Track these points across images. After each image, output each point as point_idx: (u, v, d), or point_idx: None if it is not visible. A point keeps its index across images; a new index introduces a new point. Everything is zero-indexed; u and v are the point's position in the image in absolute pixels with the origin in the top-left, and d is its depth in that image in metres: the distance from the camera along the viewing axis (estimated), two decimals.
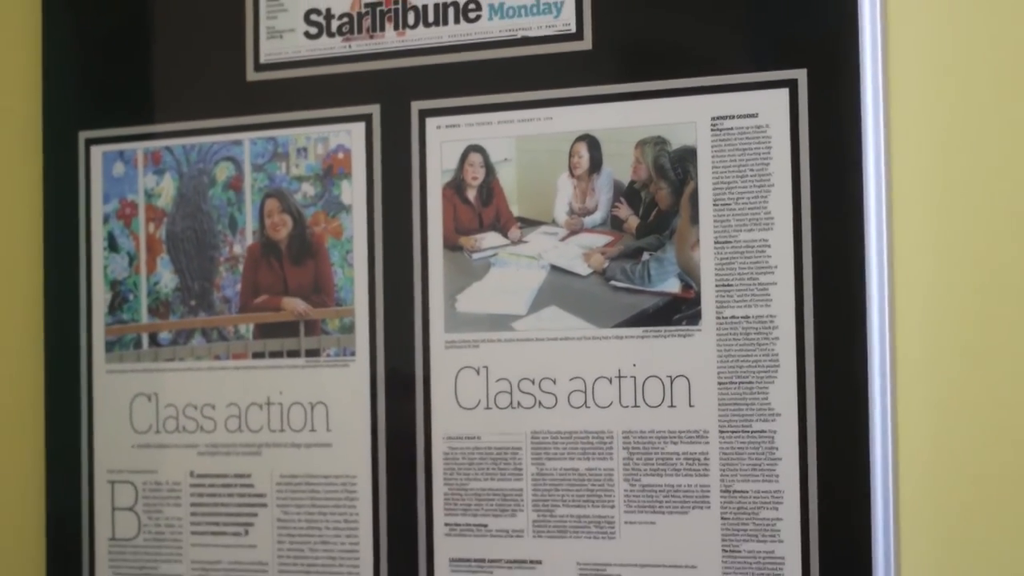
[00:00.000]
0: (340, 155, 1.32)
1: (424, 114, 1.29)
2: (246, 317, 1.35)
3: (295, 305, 1.33)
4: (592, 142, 1.24)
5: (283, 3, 1.34)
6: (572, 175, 1.25)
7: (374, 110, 1.31)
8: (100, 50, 1.42)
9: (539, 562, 1.25)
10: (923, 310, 1.16)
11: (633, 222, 1.23)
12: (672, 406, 1.21)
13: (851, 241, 1.16)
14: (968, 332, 1.15)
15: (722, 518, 1.19)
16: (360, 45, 1.32)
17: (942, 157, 1.16)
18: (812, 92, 1.18)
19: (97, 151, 1.41)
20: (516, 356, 1.26)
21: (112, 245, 1.40)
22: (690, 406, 1.21)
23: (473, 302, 1.28)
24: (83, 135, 1.41)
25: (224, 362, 1.36)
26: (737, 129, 1.20)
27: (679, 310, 1.21)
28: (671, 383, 1.21)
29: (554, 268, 1.25)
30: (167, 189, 1.38)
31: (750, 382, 1.19)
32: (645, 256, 1.23)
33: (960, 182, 1.16)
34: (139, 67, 1.39)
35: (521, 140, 1.27)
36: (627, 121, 1.23)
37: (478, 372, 1.27)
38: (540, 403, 1.25)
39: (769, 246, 1.19)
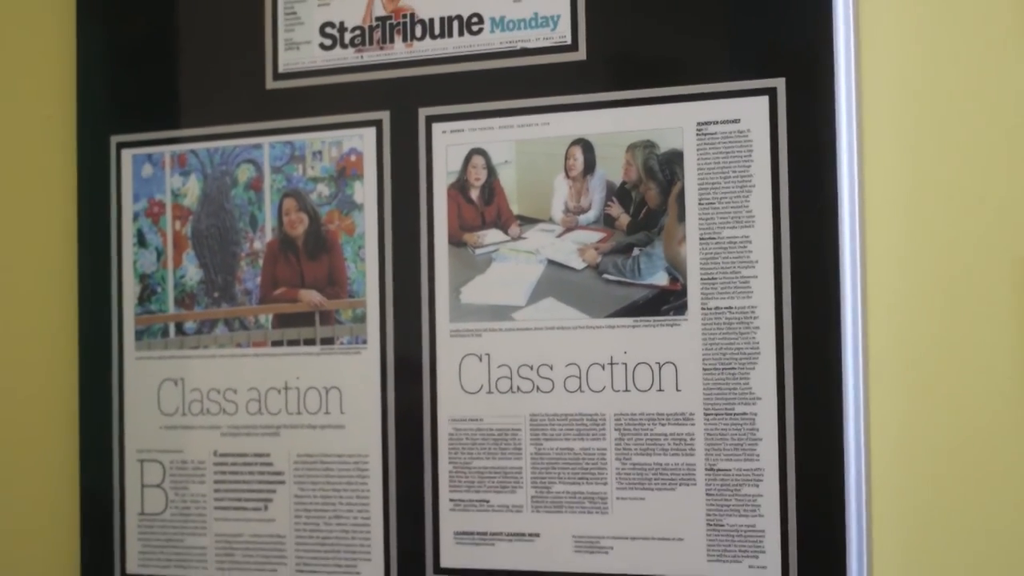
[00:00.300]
0: (353, 158, 1.32)
1: (431, 120, 1.29)
2: (265, 308, 1.35)
3: (311, 297, 1.34)
4: (586, 145, 1.24)
5: (300, 17, 1.34)
6: (568, 176, 1.25)
7: (384, 116, 1.31)
8: (130, 61, 1.41)
9: (537, 535, 1.25)
10: (893, 301, 1.17)
11: (624, 220, 1.24)
12: (660, 390, 1.22)
13: (826, 237, 1.16)
14: (934, 321, 1.16)
15: (707, 494, 1.20)
16: (371, 56, 1.32)
17: (911, 160, 1.16)
18: (790, 99, 1.18)
19: (127, 154, 1.40)
20: (516, 344, 1.26)
21: (141, 241, 1.40)
22: (677, 390, 1.21)
23: (476, 294, 1.28)
24: (114, 139, 1.40)
25: (245, 350, 1.36)
26: (720, 134, 1.20)
27: (667, 301, 1.22)
28: (659, 369, 1.22)
29: (551, 262, 1.26)
30: (192, 189, 1.38)
31: (732, 368, 1.19)
32: (635, 251, 1.23)
33: (927, 182, 1.16)
34: (166, 76, 1.39)
35: (520, 144, 1.27)
36: (618, 126, 1.23)
37: (481, 359, 1.27)
38: (538, 388, 1.26)
39: (750, 242, 1.19)
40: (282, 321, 1.35)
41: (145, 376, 1.40)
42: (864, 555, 1.15)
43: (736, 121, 1.20)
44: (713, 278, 1.21)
